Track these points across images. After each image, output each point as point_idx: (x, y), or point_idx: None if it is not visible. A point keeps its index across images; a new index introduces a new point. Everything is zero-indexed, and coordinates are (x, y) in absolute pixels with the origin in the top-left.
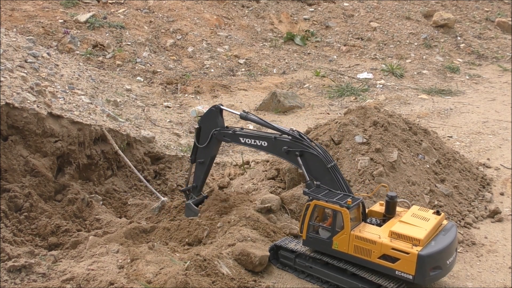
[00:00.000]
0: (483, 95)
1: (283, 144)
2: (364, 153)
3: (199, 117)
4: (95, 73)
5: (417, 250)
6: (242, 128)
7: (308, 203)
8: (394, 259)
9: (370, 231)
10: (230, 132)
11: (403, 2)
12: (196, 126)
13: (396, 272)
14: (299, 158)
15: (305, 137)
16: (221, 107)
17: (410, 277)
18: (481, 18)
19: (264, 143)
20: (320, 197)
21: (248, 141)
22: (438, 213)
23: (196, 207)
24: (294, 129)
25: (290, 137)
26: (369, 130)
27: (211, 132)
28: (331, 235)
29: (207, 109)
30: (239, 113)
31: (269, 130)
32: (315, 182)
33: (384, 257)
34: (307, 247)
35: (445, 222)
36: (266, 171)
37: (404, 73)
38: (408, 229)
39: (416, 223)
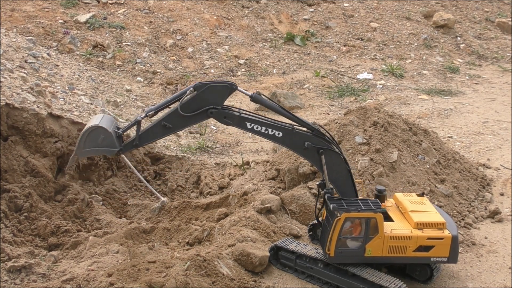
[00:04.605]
0: (483, 95)
1: (303, 137)
2: (364, 154)
3: (199, 81)
4: (95, 74)
5: (449, 233)
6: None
7: (337, 218)
8: (428, 248)
9: (396, 228)
10: (236, 113)
11: (403, 2)
12: (190, 87)
13: (431, 259)
14: (323, 156)
15: (327, 133)
16: (238, 88)
17: (445, 259)
18: (481, 19)
19: (279, 133)
20: (351, 209)
21: (257, 127)
22: (422, 194)
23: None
24: (316, 123)
25: (311, 132)
26: (369, 130)
27: (206, 106)
28: (363, 243)
29: (218, 80)
30: (250, 94)
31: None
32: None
33: (419, 248)
34: (335, 262)
35: None
36: (266, 171)
37: (404, 73)
38: (426, 216)
39: (423, 209)
